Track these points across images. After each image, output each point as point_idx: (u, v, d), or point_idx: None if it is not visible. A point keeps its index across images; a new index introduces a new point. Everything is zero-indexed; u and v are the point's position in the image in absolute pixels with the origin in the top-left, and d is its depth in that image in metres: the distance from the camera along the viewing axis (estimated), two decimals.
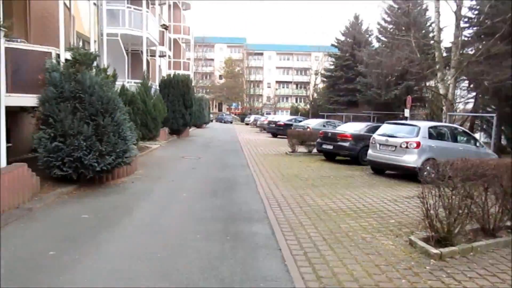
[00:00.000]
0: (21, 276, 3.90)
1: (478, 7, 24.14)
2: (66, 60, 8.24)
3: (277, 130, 29.43)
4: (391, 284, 4.11)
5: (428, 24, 32.43)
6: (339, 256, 4.81)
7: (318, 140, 15.97)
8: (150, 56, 23.01)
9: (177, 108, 21.91)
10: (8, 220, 5.42)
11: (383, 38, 35.39)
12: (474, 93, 26.67)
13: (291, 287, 3.94)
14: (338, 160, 15.39)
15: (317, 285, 3.99)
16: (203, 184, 9.34)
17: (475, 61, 20.95)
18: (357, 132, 15.02)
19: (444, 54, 24.06)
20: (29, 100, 7.51)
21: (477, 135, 23.77)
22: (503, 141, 24.45)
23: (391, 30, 34.25)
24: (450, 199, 5.42)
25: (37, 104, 7.42)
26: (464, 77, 24.63)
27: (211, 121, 54.41)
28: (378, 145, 12.19)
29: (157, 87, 21.38)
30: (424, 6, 32.56)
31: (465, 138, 12.76)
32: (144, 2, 18.73)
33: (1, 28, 5.86)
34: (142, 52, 19.55)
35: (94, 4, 13.52)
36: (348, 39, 43.02)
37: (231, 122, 62.06)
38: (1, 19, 6.13)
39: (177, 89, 22.04)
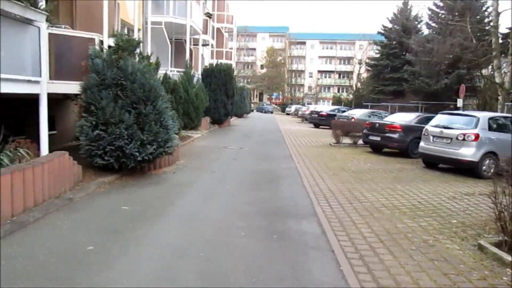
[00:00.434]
0: (55, 272, 3.68)
1: None
2: (109, 47, 8.08)
3: (319, 121, 28.65)
4: None
5: (484, 8, 30.32)
6: (400, 261, 4.28)
7: (365, 131, 15.20)
8: (193, 45, 22.90)
9: (219, 97, 21.73)
10: (49, 210, 5.28)
11: (434, 25, 33.53)
12: None
13: None
14: (385, 153, 14.59)
15: None
16: (246, 176, 8.99)
17: None
18: (407, 123, 14.14)
19: (500, 41, 22.36)
20: (72, 87, 7.42)
21: None
22: None
23: (443, 15, 32.36)
24: None
25: (80, 92, 7.31)
26: None
27: (252, 111, 54.19)
28: (431, 137, 11.34)
29: (200, 76, 21.28)
30: None
31: None
32: None
33: (43, 12, 5.69)
34: (185, 40, 19.44)
35: None
36: (395, 26, 41.18)
37: (271, 112, 61.59)
38: (44, 2, 5.98)
39: (219, 79, 21.84)
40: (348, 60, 79.50)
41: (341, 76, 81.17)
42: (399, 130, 13.79)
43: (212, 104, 21.05)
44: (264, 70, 78.31)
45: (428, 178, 9.83)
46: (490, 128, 10.68)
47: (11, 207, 4.74)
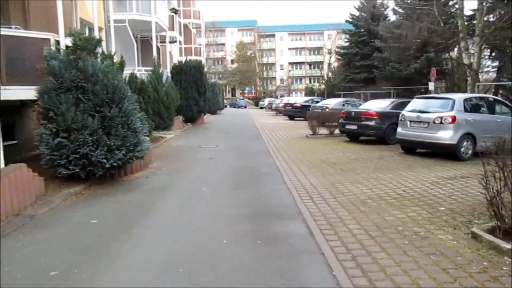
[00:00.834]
0: None
1: None
2: (67, 47, 7.48)
3: (294, 113, 28.46)
4: None
5: None
6: (395, 259, 3.99)
7: (341, 120, 15.02)
8: (160, 42, 22.17)
9: (191, 95, 21.14)
10: (6, 231, 4.73)
11: (400, 11, 33.70)
12: (497, 62, 25.24)
13: None
14: (362, 141, 14.47)
15: None
16: (224, 175, 8.58)
17: (500, 27, 19.66)
18: (383, 110, 14.04)
19: (466, 23, 22.62)
20: (27, 92, 6.82)
21: None
22: None
23: (408, 1, 32.61)
24: None
25: (36, 97, 6.71)
26: (486, 45, 23.21)
27: (225, 106, 53.60)
28: (408, 122, 11.22)
29: (169, 74, 20.61)
30: None
31: (502, 109, 11.67)
32: None
33: None
34: (151, 38, 18.74)
35: None
36: (363, 14, 41.37)
37: (245, 107, 61.20)
38: None
39: (189, 76, 21.23)
40: (317, 50, 79.74)
41: (312, 66, 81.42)
42: (375, 117, 13.66)
43: (184, 102, 20.46)
44: (235, 65, 77.70)
45: (409, 165, 9.69)
46: (466, 110, 10.64)
47: None
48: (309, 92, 56.78)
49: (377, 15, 40.19)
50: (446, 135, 10.26)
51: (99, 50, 7.96)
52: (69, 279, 3.66)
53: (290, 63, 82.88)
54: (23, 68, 6.78)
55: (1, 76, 6.24)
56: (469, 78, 21.61)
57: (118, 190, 7.08)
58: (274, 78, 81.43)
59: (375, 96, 29.95)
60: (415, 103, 11.80)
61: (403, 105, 14.02)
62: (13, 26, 7.36)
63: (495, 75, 26.40)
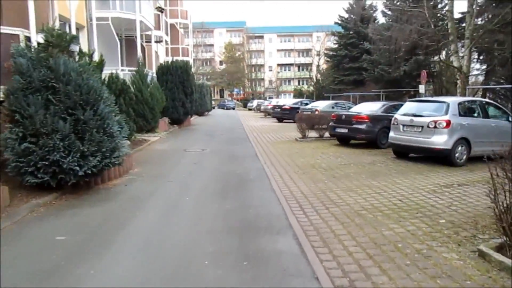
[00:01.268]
0: None
1: None
2: (39, 44, 6.91)
3: (282, 115, 28.05)
4: None
5: None
6: (397, 283, 3.54)
7: (331, 123, 14.61)
8: (146, 41, 21.54)
9: (177, 96, 20.54)
10: None
11: (389, 13, 33.57)
12: (485, 66, 25.14)
13: None
14: (353, 144, 14.08)
15: None
16: (209, 182, 8.06)
17: (489, 30, 19.53)
18: (374, 113, 13.67)
19: (456, 26, 22.49)
20: None
21: None
22: None
23: (398, 3, 32.49)
24: None
25: (2, 98, 6.12)
26: (475, 49, 23.10)
27: (213, 108, 53.02)
28: (401, 126, 10.84)
29: (154, 75, 20.01)
30: None
31: (496, 113, 11.38)
32: None
33: None
34: (136, 37, 18.13)
35: None
36: (352, 16, 41.22)
37: (233, 108, 60.68)
38: None
39: (176, 76, 20.63)
40: (306, 52, 79.77)
41: (301, 68, 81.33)
42: (367, 120, 13.28)
43: (170, 103, 19.88)
44: (224, 66, 77.11)
45: (402, 170, 9.30)
46: (460, 114, 10.30)
47: None
48: (298, 94, 56.52)
49: (366, 17, 40.13)
50: (441, 140, 9.90)
51: (75, 48, 7.39)
52: None
53: (279, 65, 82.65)
54: None
55: None
56: (458, 81, 21.45)
57: (93, 200, 6.52)
58: (263, 79, 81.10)
59: (364, 99, 29.74)
60: (408, 107, 11.44)
61: (394, 108, 13.69)
62: None
63: (482, 78, 26.32)
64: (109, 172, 7.52)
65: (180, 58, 27.54)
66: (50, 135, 5.89)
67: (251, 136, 17.42)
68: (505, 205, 4.17)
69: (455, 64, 21.13)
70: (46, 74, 6.05)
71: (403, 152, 11.31)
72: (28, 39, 6.78)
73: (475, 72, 27.53)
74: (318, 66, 61.26)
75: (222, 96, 79.49)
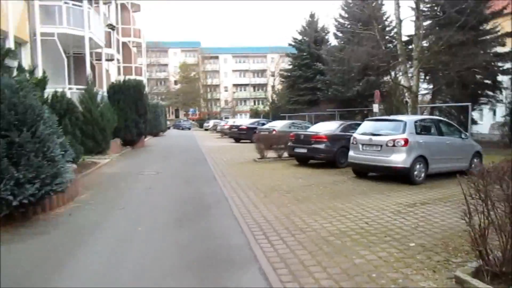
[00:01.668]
0: None
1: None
2: None
3: (239, 135, 27.77)
4: None
5: (385, 18, 31.95)
6: None
7: (290, 143, 14.43)
8: (96, 59, 20.64)
9: (130, 116, 19.67)
10: None
11: (340, 35, 34.59)
12: (432, 85, 26.28)
13: None
14: (312, 164, 13.94)
15: None
16: (164, 209, 7.44)
17: (435, 52, 20.47)
18: (332, 132, 13.65)
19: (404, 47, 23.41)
20: None
21: None
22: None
23: (349, 26, 33.59)
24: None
25: None
26: (422, 69, 24.14)
27: (168, 128, 51.90)
28: (360, 146, 10.80)
29: (105, 94, 19.09)
30: (379, 1, 32.06)
31: (449, 130, 11.66)
32: None
33: None
34: (85, 54, 17.25)
35: None
36: (305, 38, 42.13)
37: (189, 129, 59.87)
38: None
39: (128, 96, 19.79)
40: (261, 72, 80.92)
41: (256, 88, 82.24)
42: (325, 140, 13.20)
43: (122, 123, 18.98)
44: (178, 86, 76.29)
45: (364, 190, 9.14)
46: (417, 132, 10.42)
47: None
48: (254, 113, 56.80)
49: (319, 39, 41.19)
50: (399, 158, 9.91)
51: (12, 63, 6.66)
52: None
53: (234, 85, 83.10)
54: None
55: None
56: (409, 100, 22.18)
57: (29, 233, 5.72)
58: (219, 99, 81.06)
59: (319, 118, 30.14)
60: (366, 126, 11.44)
61: (351, 128, 13.74)
62: None
63: (430, 97, 27.46)
64: (51, 200, 6.73)
65: (133, 77, 26.70)
66: None
67: (209, 157, 16.88)
68: (480, 228, 3.96)
69: (405, 84, 21.85)
70: None
71: (363, 171, 11.26)
72: None
73: (423, 92, 28.79)
74: (273, 86, 62.16)
75: (177, 116, 78.39)
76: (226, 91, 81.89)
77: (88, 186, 9.41)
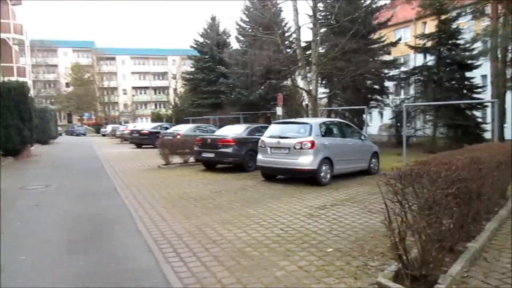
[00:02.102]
0: None
1: (327, 7, 25.36)
2: None
3: (141, 140, 26.37)
4: None
5: (284, 24, 33.03)
6: None
7: (196, 148, 13.90)
8: None
9: (11, 122, 17.28)
10: None
11: (242, 38, 34.94)
12: (328, 90, 27.88)
13: None
14: (220, 169, 13.63)
15: None
16: (55, 231, 6.38)
17: (331, 58, 21.62)
18: (239, 136, 13.47)
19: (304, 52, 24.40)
20: None
21: None
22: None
23: (250, 30, 34.08)
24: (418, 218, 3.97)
25: None
26: (319, 74, 25.45)
27: (60, 135, 47.50)
28: (269, 149, 10.74)
29: None
30: (279, 7, 33.07)
31: (351, 132, 12.20)
32: None
33: None
34: None
35: None
36: (207, 41, 41.80)
37: (84, 134, 55.74)
38: None
39: (8, 100, 17.36)
40: (162, 75, 78.73)
41: (157, 91, 79.82)
42: (233, 143, 12.95)
43: (1, 131, 16.61)
44: (71, 89, 70.39)
45: (275, 194, 9.05)
46: (322, 134, 10.67)
47: None
48: (156, 117, 54.89)
49: (222, 42, 41.20)
50: (307, 161, 10.03)
51: None
52: None
53: (134, 88, 79.69)
54: None
55: None
56: (309, 103, 23.09)
57: None
58: (117, 103, 76.93)
59: (223, 121, 30.01)
60: (274, 129, 11.44)
61: (258, 131, 13.73)
62: None
63: (326, 100, 29.02)
64: None
65: (14, 78, 23.68)
66: None
67: (108, 165, 15.53)
68: (400, 232, 3.92)
69: (305, 87, 22.69)
70: None
71: (272, 175, 11.23)
72: None
73: (321, 95, 30.38)
74: (175, 89, 60.68)
75: (70, 121, 72.42)
76: (125, 94, 77.96)
77: None
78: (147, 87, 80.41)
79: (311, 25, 22.57)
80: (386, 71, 27.04)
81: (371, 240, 5.49)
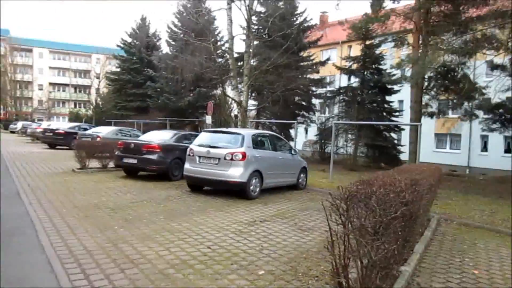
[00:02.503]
0: None
1: (260, 21, 25.62)
2: None
3: (55, 140, 24.15)
4: None
5: (217, 32, 32.73)
6: None
7: (118, 153, 12.85)
8: None
9: None
10: None
11: (173, 43, 33.96)
12: (256, 102, 28.04)
13: None
14: (142, 176, 12.73)
15: None
16: None
17: (263, 71, 21.72)
18: (166, 142, 12.73)
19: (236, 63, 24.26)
20: None
21: None
22: None
23: (182, 35, 33.23)
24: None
25: None
26: (250, 86, 25.52)
27: None
28: (197, 158, 10.18)
29: None
30: (212, 15, 32.73)
31: (281, 146, 12.06)
32: None
33: None
34: None
35: None
36: (135, 41, 40.08)
37: None
38: None
39: None
40: (84, 73, 74.24)
41: (78, 90, 75.00)
42: (158, 150, 12.16)
43: None
44: None
45: (201, 207, 8.51)
46: (254, 146, 10.34)
47: None
48: (75, 117, 51.26)
49: (151, 45, 39.80)
50: (237, 173, 9.63)
51: None
52: None
53: (51, 84, 73.94)
54: None
55: None
56: (238, 114, 22.86)
57: None
58: (31, 98, 70.70)
59: (148, 126, 28.75)
60: (204, 137, 10.89)
61: (186, 138, 13.12)
62: None
63: (255, 113, 29.12)
64: None
65: None
66: None
67: (13, 166, 13.78)
68: (342, 257, 3.63)
69: (236, 98, 22.45)
70: None
71: (199, 185, 10.66)
72: None
73: (250, 107, 30.44)
74: (98, 89, 57.39)
75: None
76: (41, 89, 71.90)
77: None
78: (66, 84, 75.10)
79: (244, 36, 22.49)
80: (314, 88, 27.90)
81: (304, 261, 5.20)
